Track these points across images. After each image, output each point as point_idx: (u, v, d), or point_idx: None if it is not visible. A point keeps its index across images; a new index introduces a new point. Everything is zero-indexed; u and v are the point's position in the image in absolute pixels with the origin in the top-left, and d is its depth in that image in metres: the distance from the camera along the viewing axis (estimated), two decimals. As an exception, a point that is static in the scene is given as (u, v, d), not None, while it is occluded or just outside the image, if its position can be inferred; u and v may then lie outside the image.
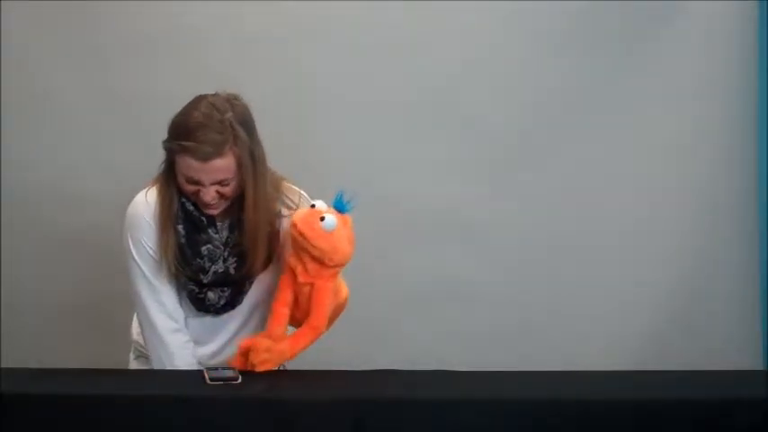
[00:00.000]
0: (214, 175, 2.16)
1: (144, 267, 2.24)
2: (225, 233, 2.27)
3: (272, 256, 2.29)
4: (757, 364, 3.16)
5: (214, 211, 2.24)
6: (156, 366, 2.26)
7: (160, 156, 2.24)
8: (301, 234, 2.10)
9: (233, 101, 2.22)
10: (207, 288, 2.27)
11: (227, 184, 2.18)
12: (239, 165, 2.17)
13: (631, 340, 3.12)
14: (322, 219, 2.10)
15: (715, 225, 3.19)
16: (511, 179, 3.13)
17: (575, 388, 2.05)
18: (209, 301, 2.28)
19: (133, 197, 2.30)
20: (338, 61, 3.06)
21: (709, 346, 3.09)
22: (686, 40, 3.14)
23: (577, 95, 3.12)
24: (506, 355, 2.77)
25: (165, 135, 2.21)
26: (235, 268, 2.27)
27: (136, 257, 2.24)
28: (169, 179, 2.24)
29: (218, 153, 2.14)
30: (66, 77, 3.00)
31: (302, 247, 2.11)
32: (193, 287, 2.27)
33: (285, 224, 2.26)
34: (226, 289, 2.28)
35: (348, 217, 2.18)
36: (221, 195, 2.20)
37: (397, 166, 3.09)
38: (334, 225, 2.11)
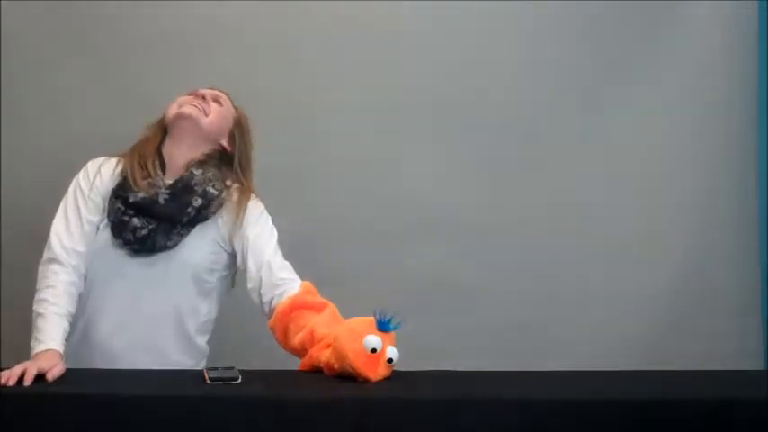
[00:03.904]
0: (213, 90, 2.48)
1: (78, 195, 2.39)
2: (168, 181, 2.38)
3: (206, 215, 2.37)
4: (757, 364, 3.16)
5: (192, 110, 2.41)
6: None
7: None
8: (355, 370, 2.03)
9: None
10: (133, 212, 2.33)
11: (220, 103, 2.46)
12: (236, 124, 2.49)
13: (631, 340, 3.12)
14: (389, 361, 2.05)
15: (715, 225, 3.19)
16: (511, 180, 3.13)
17: (575, 388, 2.05)
18: (131, 225, 2.33)
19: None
20: (338, 61, 3.06)
21: (710, 346, 3.09)
22: (686, 41, 3.14)
23: (577, 96, 3.13)
24: (506, 356, 2.77)
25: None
26: (165, 200, 2.34)
27: (81, 184, 2.41)
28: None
29: (221, 91, 2.50)
30: (67, 77, 3.00)
31: (346, 370, 2.06)
32: (120, 206, 2.34)
33: (231, 209, 2.40)
34: (152, 221, 2.33)
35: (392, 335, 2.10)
36: (206, 106, 2.42)
37: (397, 167, 3.10)
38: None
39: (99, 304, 2.36)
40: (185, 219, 2.35)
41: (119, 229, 2.34)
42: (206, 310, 2.44)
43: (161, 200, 2.35)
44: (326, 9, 3.04)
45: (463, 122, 3.11)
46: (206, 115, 2.42)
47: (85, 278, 2.35)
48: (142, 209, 2.34)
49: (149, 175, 2.37)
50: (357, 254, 3.08)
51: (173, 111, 2.43)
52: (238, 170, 2.48)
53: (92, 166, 2.45)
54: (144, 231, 2.33)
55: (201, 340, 2.45)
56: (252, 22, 3.04)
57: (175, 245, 2.35)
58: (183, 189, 2.37)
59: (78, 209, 2.37)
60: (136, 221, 2.33)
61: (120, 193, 2.36)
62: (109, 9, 3.00)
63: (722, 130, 3.19)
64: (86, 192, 2.39)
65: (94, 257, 2.35)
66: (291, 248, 2.40)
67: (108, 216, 2.36)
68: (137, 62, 2.99)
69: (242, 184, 2.46)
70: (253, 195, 2.46)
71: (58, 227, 2.35)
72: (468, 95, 3.10)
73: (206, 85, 2.50)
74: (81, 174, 2.44)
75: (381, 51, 3.07)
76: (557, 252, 3.14)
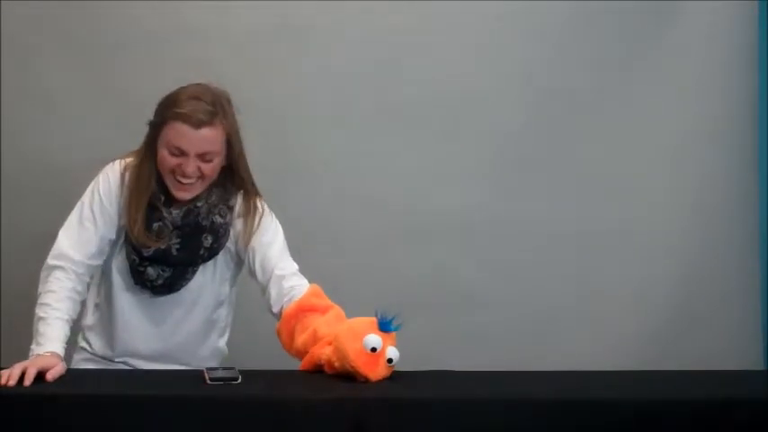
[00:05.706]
0: (201, 145, 2.23)
1: (95, 206, 2.31)
2: (178, 215, 2.32)
3: (218, 249, 2.35)
4: (757, 364, 3.16)
5: (186, 194, 2.28)
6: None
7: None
8: (354, 369, 2.03)
9: (220, 89, 2.31)
10: (148, 263, 2.31)
11: (209, 160, 2.25)
12: (227, 141, 2.27)
13: (632, 340, 3.12)
14: (389, 361, 2.04)
15: (715, 225, 3.19)
16: (511, 179, 3.13)
17: (575, 388, 2.05)
18: (147, 276, 2.32)
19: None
20: (338, 62, 3.06)
21: (710, 346, 3.10)
22: (686, 40, 3.14)
23: (578, 96, 3.13)
24: (507, 356, 2.77)
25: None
26: (177, 249, 2.31)
27: (101, 195, 2.31)
28: (148, 154, 2.29)
29: (210, 122, 2.23)
30: (67, 77, 3.00)
31: (346, 369, 2.06)
32: (135, 257, 2.32)
33: (238, 225, 2.36)
34: (167, 269, 2.32)
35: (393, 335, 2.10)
36: (201, 173, 2.25)
37: (396, 167, 3.10)
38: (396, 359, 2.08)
39: (124, 328, 2.37)
40: (199, 260, 2.35)
41: (137, 276, 2.34)
42: (224, 314, 2.47)
43: (173, 251, 2.32)
44: (327, 9, 3.04)
45: (463, 123, 3.11)
46: (201, 179, 2.27)
47: (111, 294, 2.37)
48: (156, 260, 2.32)
49: (157, 219, 2.31)
50: (356, 255, 3.08)
51: (168, 181, 2.28)
52: (236, 177, 2.36)
53: (112, 174, 2.34)
54: (160, 281, 2.33)
55: (222, 343, 2.50)
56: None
57: (191, 279, 2.36)
58: (191, 231, 2.32)
59: (95, 220, 2.30)
60: (151, 272, 2.32)
61: (132, 240, 2.31)
62: (109, 9, 2.99)
63: (722, 129, 3.19)
64: (107, 206, 2.32)
65: (116, 282, 2.36)
66: (289, 251, 2.40)
67: (127, 258, 2.34)
68: (138, 64, 2.99)
69: (243, 188, 2.37)
70: (258, 198, 2.39)
71: (67, 234, 2.30)
72: (467, 96, 3.10)
73: (194, 81, 2.33)
74: (101, 181, 2.33)
75: (380, 52, 3.07)
76: (557, 251, 3.14)
